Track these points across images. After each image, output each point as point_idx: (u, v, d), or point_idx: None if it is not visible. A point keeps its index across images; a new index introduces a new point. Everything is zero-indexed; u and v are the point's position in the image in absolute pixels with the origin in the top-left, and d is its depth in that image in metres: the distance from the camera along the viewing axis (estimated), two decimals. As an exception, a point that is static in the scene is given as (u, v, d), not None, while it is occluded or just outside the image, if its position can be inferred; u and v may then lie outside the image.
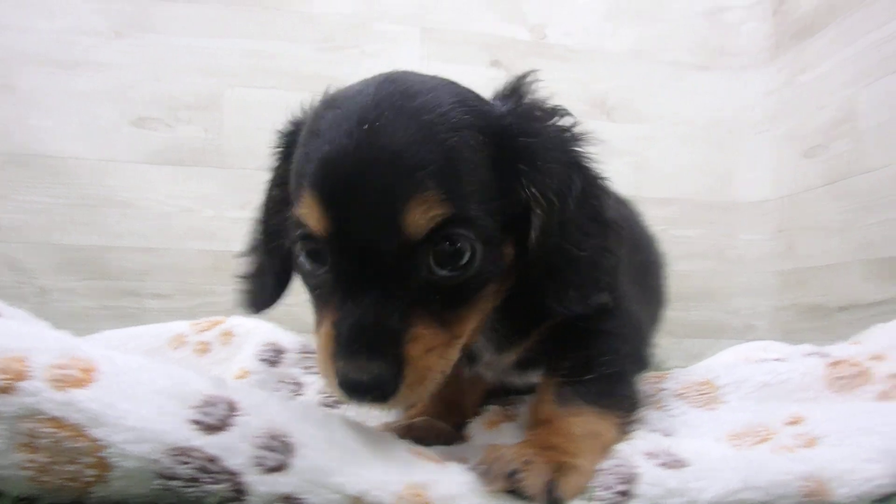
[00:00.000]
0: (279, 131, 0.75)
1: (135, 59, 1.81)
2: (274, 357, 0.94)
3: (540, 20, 2.17)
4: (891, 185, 1.70)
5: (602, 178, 0.74)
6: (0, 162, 1.69)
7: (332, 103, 0.64)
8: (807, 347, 1.05)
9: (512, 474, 0.57)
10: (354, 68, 1.97)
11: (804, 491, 0.60)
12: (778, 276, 2.19)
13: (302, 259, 0.63)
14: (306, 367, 0.93)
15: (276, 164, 0.74)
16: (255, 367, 0.91)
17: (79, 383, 0.58)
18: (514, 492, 0.57)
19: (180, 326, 1.05)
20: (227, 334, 1.02)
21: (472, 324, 0.64)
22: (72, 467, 0.56)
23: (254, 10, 1.91)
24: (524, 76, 0.72)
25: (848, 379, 0.82)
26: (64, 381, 0.58)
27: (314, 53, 1.95)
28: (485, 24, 2.11)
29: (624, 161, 2.17)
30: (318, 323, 0.63)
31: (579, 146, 0.72)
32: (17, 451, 0.56)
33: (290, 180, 0.67)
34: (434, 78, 0.69)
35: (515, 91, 0.71)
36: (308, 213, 0.58)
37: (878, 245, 1.76)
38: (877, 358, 0.85)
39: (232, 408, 0.60)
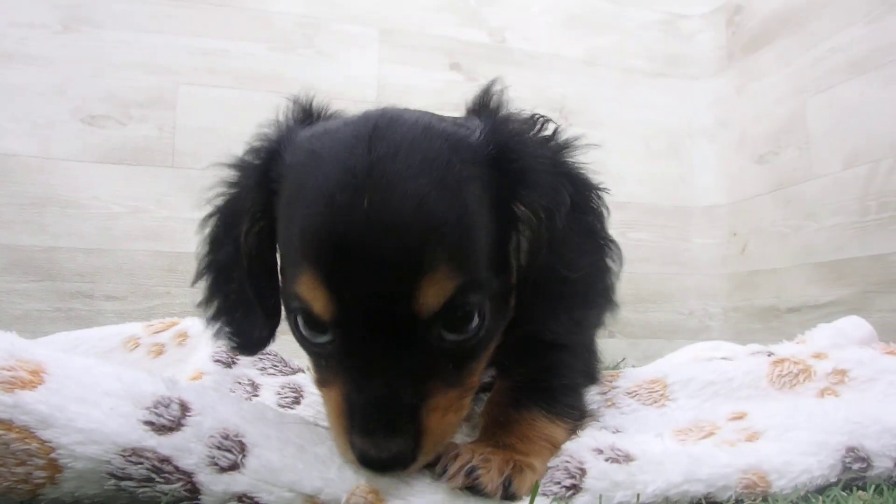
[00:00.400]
0: (246, 160, 0.70)
1: (84, 55, 1.76)
2: (229, 358, 0.94)
3: (499, 24, 2.20)
4: (835, 192, 1.80)
5: (597, 189, 0.71)
6: (-61, 158, 1.62)
7: (320, 154, 0.60)
8: (754, 347, 1.10)
9: (471, 472, 0.59)
10: (310, 69, 1.97)
11: (744, 483, 0.63)
12: (730, 279, 2.27)
13: (301, 322, 0.60)
14: (262, 369, 0.93)
15: (248, 199, 0.67)
16: (210, 368, 0.90)
17: (27, 385, 0.57)
18: (470, 488, 0.59)
19: (134, 328, 1.03)
20: (182, 335, 1.00)
21: (481, 369, 0.65)
22: (21, 469, 0.55)
23: (206, 7, 1.88)
24: (491, 87, 0.70)
25: (790, 377, 0.87)
26: (11, 384, 0.57)
27: (269, 53, 1.93)
28: (444, 27, 2.13)
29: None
30: (322, 382, 0.63)
31: (567, 155, 0.69)
32: (-38, 455, 0.54)
33: (277, 223, 0.64)
34: (418, 120, 0.64)
35: (486, 105, 0.68)
36: (311, 296, 0.56)
37: (822, 249, 1.85)
38: (818, 356, 0.90)
39: (185, 408, 0.60)
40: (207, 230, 0.74)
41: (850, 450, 0.67)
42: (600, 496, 0.57)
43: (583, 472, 0.61)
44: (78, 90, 1.75)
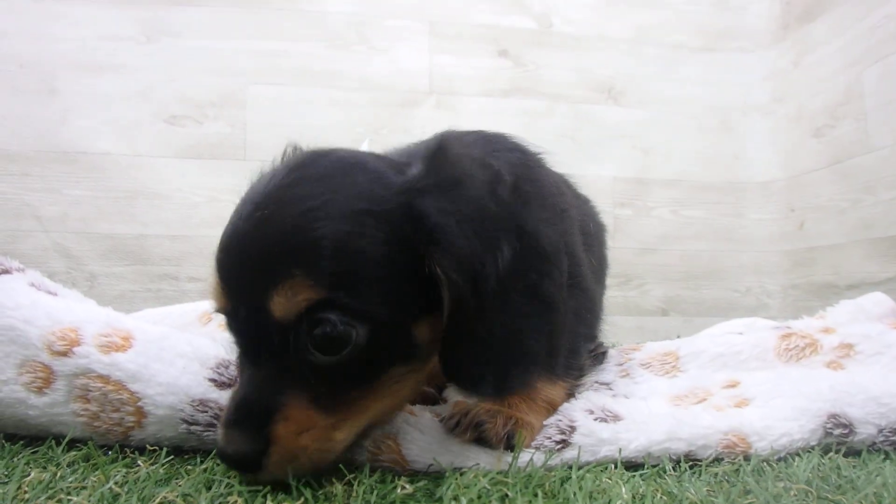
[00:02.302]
0: None
1: (163, 62, 1.95)
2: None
3: (544, 9, 2.23)
4: (893, 165, 1.72)
5: (546, 245, 0.65)
6: (46, 159, 1.86)
7: (253, 181, 0.69)
8: (772, 323, 1.12)
9: (478, 425, 0.69)
10: (364, 64, 2.08)
11: (724, 443, 0.69)
12: (788, 255, 2.22)
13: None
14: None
15: None
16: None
17: (120, 348, 0.72)
18: (477, 440, 0.69)
19: (208, 305, 1.19)
20: (247, 311, 1.15)
21: (374, 405, 0.62)
22: (116, 415, 0.70)
23: (268, 11, 2.03)
24: (444, 137, 0.70)
25: (797, 350, 0.90)
26: (108, 347, 0.72)
27: (325, 51, 2.06)
28: (490, 15, 2.17)
29: (631, 144, 2.23)
30: None
31: (515, 210, 0.65)
32: (74, 402, 0.70)
33: None
34: (346, 158, 0.67)
35: (437, 155, 0.65)
36: (210, 290, 0.64)
37: (880, 224, 1.79)
38: (826, 330, 0.92)
39: (240, 369, 0.73)
40: None
41: (832, 416, 0.71)
42: (579, 448, 0.65)
43: (573, 429, 0.69)
44: (159, 94, 1.95)
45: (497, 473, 0.62)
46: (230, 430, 0.57)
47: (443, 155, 0.65)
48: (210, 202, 1.96)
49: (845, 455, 0.70)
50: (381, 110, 2.08)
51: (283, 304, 0.57)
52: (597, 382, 0.94)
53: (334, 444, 0.60)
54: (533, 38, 2.20)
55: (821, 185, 2.03)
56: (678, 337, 1.89)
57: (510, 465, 0.65)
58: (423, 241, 0.59)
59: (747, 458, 0.69)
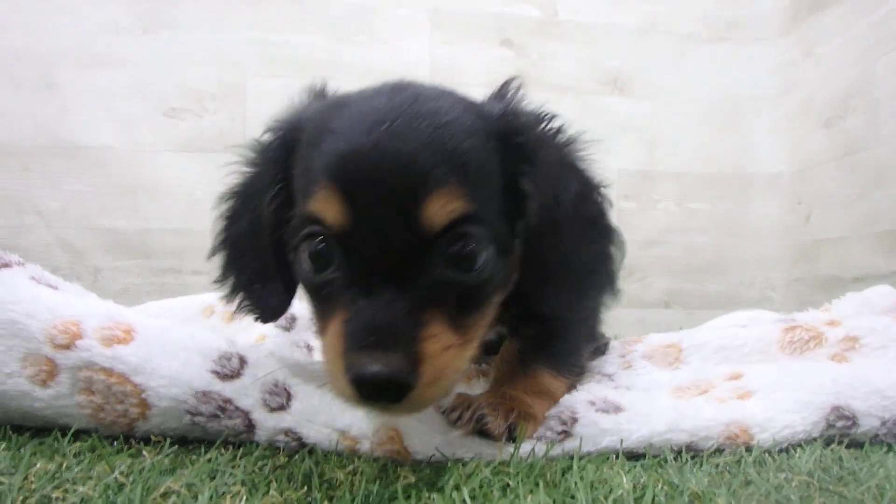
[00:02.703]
0: (267, 138, 0.73)
1: (162, 54, 1.94)
2: (287, 324, 1.08)
3: (549, -3, 2.21)
4: (902, 158, 1.71)
5: (600, 183, 0.74)
6: (46, 154, 1.86)
7: (341, 104, 0.64)
8: (776, 315, 1.12)
9: (480, 418, 0.69)
10: (366, 55, 2.07)
11: (726, 434, 0.69)
12: (792, 249, 2.21)
13: (305, 260, 0.61)
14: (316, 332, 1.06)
15: (270, 169, 0.70)
16: (272, 332, 1.05)
17: (122, 341, 0.72)
18: (480, 432, 0.69)
19: (210, 298, 1.20)
20: (250, 304, 1.15)
21: (482, 329, 0.64)
22: (120, 406, 0.71)
23: (268, 3, 2.01)
24: (511, 81, 0.73)
25: (800, 343, 0.90)
26: (110, 340, 0.72)
27: (327, 42, 2.05)
28: (494, 4, 2.15)
29: (637, 136, 2.22)
30: (323, 325, 0.61)
31: (574, 148, 0.72)
32: (79, 394, 0.71)
33: (293, 183, 0.66)
34: (436, 86, 0.70)
35: (503, 96, 0.72)
36: (325, 206, 0.57)
37: (888, 217, 1.77)
38: (831, 324, 0.92)
39: (242, 361, 0.74)
40: (224, 208, 0.78)
41: (835, 408, 0.71)
42: (581, 438, 0.65)
43: (574, 419, 0.69)
44: (159, 87, 1.94)
45: (499, 464, 0.63)
46: (372, 351, 0.52)
47: (510, 97, 0.71)
48: (212, 196, 1.96)
49: (847, 447, 0.70)
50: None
51: (437, 212, 0.56)
52: (599, 374, 0.94)
53: (463, 364, 0.60)
54: (537, 27, 2.18)
55: (828, 178, 2.01)
56: (680, 330, 1.89)
57: (512, 456, 0.65)
58: (520, 161, 0.64)
59: (749, 450, 0.69)
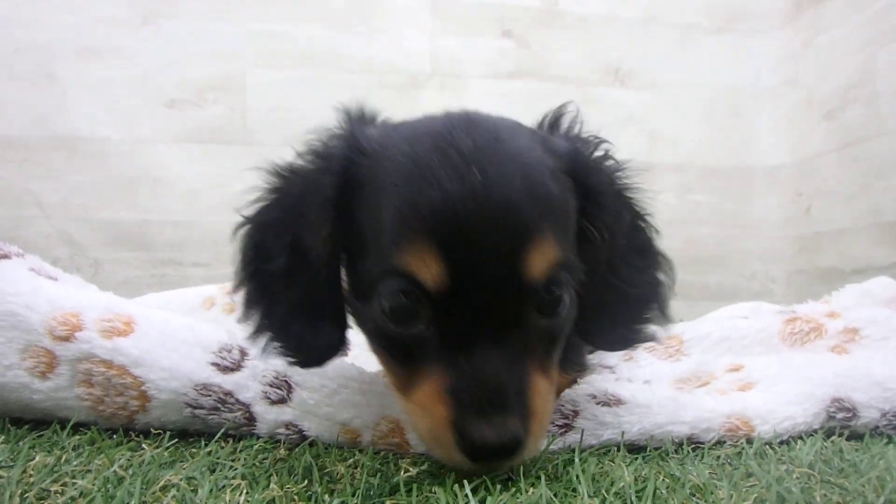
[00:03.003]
0: (309, 165, 0.67)
1: (162, 45, 1.93)
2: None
3: (550, -12, 2.19)
4: (903, 149, 1.70)
5: (646, 211, 0.73)
6: (46, 146, 1.86)
7: (413, 139, 0.60)
8: (777, 307, 1.12)
9: None
10: (366, 46, 2.06)
11: (727, 426, 0.69)
12: (794, 241, 2.21)
13: (383, 312, 0.57)
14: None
15: (320, 201, 0.62)
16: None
17: (122, 333, 0.72)
18: None
19: (211, 289, 1.20)
20: (250, 296, 1.15)
21: (556, 367, 0.63)
22: (120, 399, 0.71)
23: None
24: (562, 109, 0.72)
25: (801, 334, 0.90)
26: (111, 332, 0.72)
27: (327, 33, 2.03)
28: (495, -6, 2.14)
29: (637, 129, 2.21)
30: (405, 380, 0.58)
31: (624, 176, 0.71)
32: (78, 386, 0.71)
33: (358, 222, 0.61)
34: (502, 118, 0.67)
35: (558, 124, 0.70)
36: (421, 265, 0.53)
37: (889, 209, 1.77)
38: (832, 315, 0.92)
39: (243, 353, 0.74)
40: (248, 237, 0.70)
41: (836, 400, 0.71)
42: (582, 431, 0.65)
43: (575, 413, 0.69)
44: (158, 78, 1.94)
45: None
46: (489, 419, 0.51)
47: (566, 129, 0.70)
48: (212, 188, 1.96)
49: (848, 439, 0.70)
50: (384, 93, 2.06)
51: (539, 264, 0.55)
52: (600, 366, 0.94)
53: (552, 406, 0.61)
54: (538, 18, 2.16)
55: (829, 170, 2.01)
56: (681, 321, 1.89)
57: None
58: (587, 200, 0.64)
59: (750, 442, 0.69)
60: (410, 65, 2.09)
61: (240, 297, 0.70)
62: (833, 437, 0.70)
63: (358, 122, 0.67)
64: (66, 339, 0.71)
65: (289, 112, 1.99)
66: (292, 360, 0.66)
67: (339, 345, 0.67)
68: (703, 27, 2.25)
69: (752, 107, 2.28)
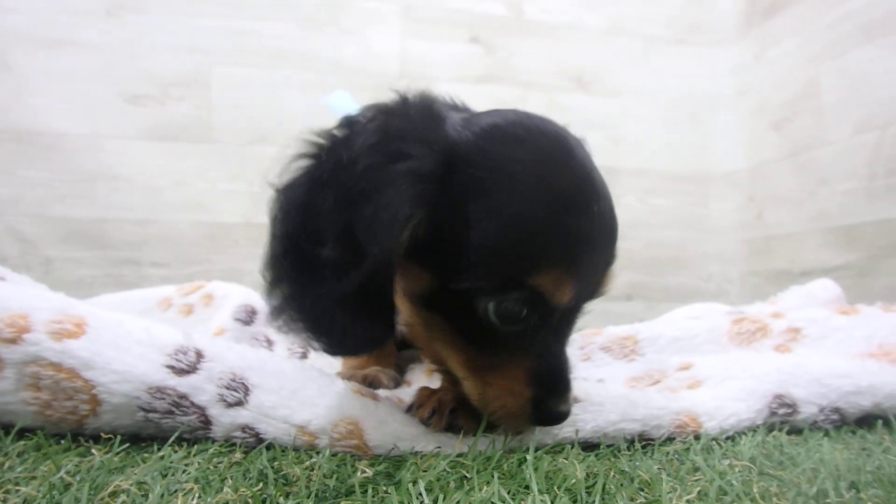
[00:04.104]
0: (390, 162, 0.59)
1: (125, 39, 1.89)
2: (247, 318, 1.07)
3: (517, -4, 2.22)
4: (846, 158, 1.79)
5: None
6: (-1, 139, 1.79)
7: (530, 160, 0.62)
8: (726, 307, 1.16)
9: (452, 412, 0.70)
10: (335, 46, 2.05)
11: (676, 423, 0.72)
12: (748, 244, 2.29)
13: (488, 316, 0.61)
14: (277, 327, 1.05)
15: (404, 189, 0.58)
16: (230, 325, 1.03)
17: (72, 335, 0.70)
18: (449, 427, 0.69)
19: (167, 291, 1.17)
20: (208, 297, 1.14)
21: None
22: (69, 403, 0.69)
23: (235, -11, 1.98)
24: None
25: (748, 334, 0.94)
26: (60, 334, 0.70)
27: (296, 31, 2.02)
28: (463, 0, 2.16)
29: (601, 134, 2.26)
30: (488, 368, 0.65)
31: None
32: (25, 390, 0.68)
33: (456, 220, 0.60)
34: (564, 131, 0.69)
35: None
36: (556, 288, 0.61)
37: (834, 214, 1.85)
38: (776, 315, 0.96)
39: (199, 355, 0.72)
40: (291, 214, 0.65)
41: (777, 396, 0.74)
42: (537, 430, 0.67)
43: (531, 412, 0.70)
44: (121, 72, 1.89)
45: (457, 456, 0.63)
46: (564, 395, 0.65)
47: None
48: (174, 185, 1.92)
49: (789, 433, 0.74)
50: (353, 94, 2.05)
51: (611, 282, 0.69)
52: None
53: None
54: (505, 25, 2.20)
55: (779, 177, 2.09)
56: (641, 321, 1.94)
57: (470, 449, 0.66)
58: None
59: (697, 438, 0.71)
60: (379, 67, 2.09)
61: (268, 270, 0.66)
62: (774, 432, 0.73)
63: (433, 114, 0.64)
64: (13, 341, 0.68)
65: (255, 111, 1.96)
66: (320, 344, 0.65)
67: (384, 338, 0.66)
68: (663, 38, 2.32)
69: (709, 115, 2.35)
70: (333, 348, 0.66)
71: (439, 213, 0.60)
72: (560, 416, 0.66)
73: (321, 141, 0.66)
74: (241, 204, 1.95)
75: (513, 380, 0.64)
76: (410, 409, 0.74)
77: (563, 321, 0.66)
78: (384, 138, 0.61)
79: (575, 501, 0.52)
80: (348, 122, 0.66)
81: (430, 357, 0.74)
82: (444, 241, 0.61)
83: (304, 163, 0.66)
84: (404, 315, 0.71)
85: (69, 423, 0.69)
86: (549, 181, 0.61)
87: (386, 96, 0.67)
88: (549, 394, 0.64)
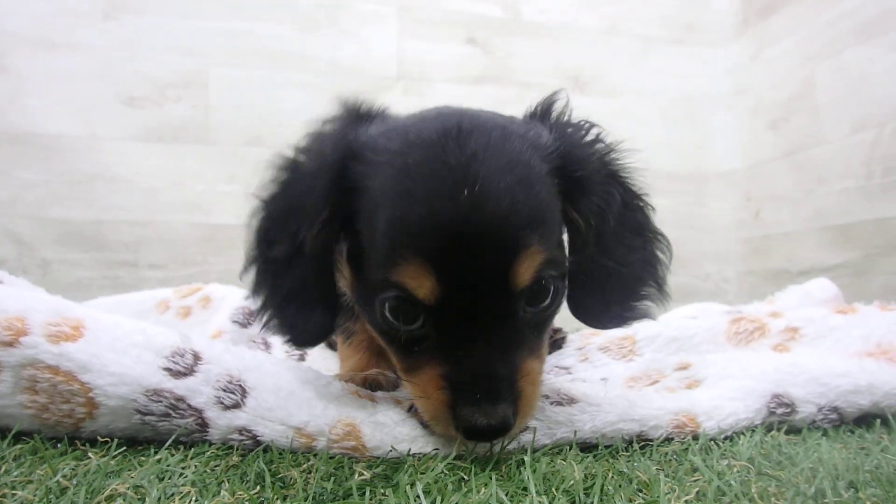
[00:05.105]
0: (306, 160, 0.69)
1: (123, 41, 1.89)
2: (245, 320, 1.06)
3: (514, -3, 2.23)
4: (843, 157, 1.79)
5: (641, 190, 0.76)
6: (-4, 140, 1.79)
7: (406, 145, 0.62)
8: (724, 307, 1.16)
9: None
10: (333, 47, 2.05)
11: (675, 423, 0.72)
12: (745, 243, 2.29)
13: (384, 314, 0.62)
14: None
15: (314, 195, 0.66)
16: (228, 327, 1.03)
17: (69, 338, 0.70)
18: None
19: (165, 293, 1.17)
20: (206, 299, 1.14)
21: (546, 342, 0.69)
22: (66, 406, 0.68)
23: (233, -9, 1.98)
24: (554, 95, 0.74)
25: (746, 333, 0.94)
26: (57, 336, 0.70)
27: (294, 33, 2.02)
28: (460, 1, 2.16)
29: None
30: (409, 366, 0.65)
31: (616, 157, 0.73)
32: (22, 394, 0.68)
33: (357, 219, 0.64)
34: (494, 120, 0.68)
35: (548, 112, 0.73)
36: (415, 283, 0.58)
37: (831, 213, 1.86)
38: (774, 315, 0.96)
39: (197, 357, 0.72)
40: (257, 222, 0.73)
41: (776, 396, 0.74)
42: (535, 431, 0.67)
43: (530, 413, 0.70)
44: (118, 74, 1.89)
45: (455, 458, 0.63)
46: (482, 405, 0.58)
47: (556, 117, 0.72)
48: (171, 186, 1.92)
49: (787, 433, 0.74)
50: (349, 95, 2.05)
51: (525, 271, 0.59)
52: (556, 367, 0.96)
53: (541, 383, 0.66)
54: (502, 26, 2.20)
55: (776, 176, 2.10)
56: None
57: (470, 451, 0.65)
58: (574, 191, 0.67)
59: (696, 438, 0.71)
60: (376, 68, 2.09)
61: (248, 277, 0.75)
62: (773, 432, 0.73)
63: (353, 120, 0.69)
64: (10, 344, 0.68)
65: (252, 112, 1.96)
66: (287, 338, 0.72)
67: (329, 330, 0.72)
68: (660, 38, 2.33)
69: (706, 114, 2.36)
70: (295, 341, 0.73)
71: (350, 209, 0.65)
72: (479, 429, 0.58)
73: (287, 157, 0.72)
74: (238, 205, 1.94)
75: (428, 382, 0.62)
76: (411, 410, 0.74)
77: (467, 320, 0.59)
78: (311, 147, 0.70)
79: (573, 502, 0.52)
80: (306, 137, 0.72)
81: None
82: (356, 238, 0.65)
83: (273, 178, 0.72)
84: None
85: (66, 427, 0.69)
86: (411, 173, 0.60)
87: (381, 98, 0.72)
88: (463, 401, 0.59)
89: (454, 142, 0.61)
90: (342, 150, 0.66)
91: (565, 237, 0.72)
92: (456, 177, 0.58)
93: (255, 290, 0.74)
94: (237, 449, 0.68)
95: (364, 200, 0.63)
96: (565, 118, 0.72)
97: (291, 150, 0.72)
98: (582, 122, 0.73)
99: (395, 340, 0.65)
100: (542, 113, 0.73)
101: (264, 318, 0.73)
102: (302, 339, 0.73)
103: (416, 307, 0.60)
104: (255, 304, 0.74)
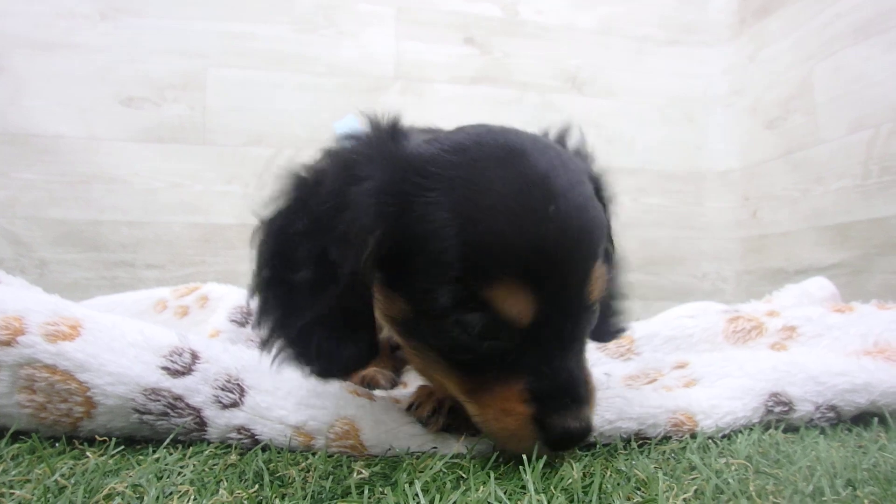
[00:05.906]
0: (352, 181, 0.62)
1: (121, 41, 1.89)
2: (243, 319, 1.06)
3: (511, -3, 2.23)
4: (841, 156, 1.80)
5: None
6: (-6, 141, 1.79)
7: (478, 169, 0.60)
8: (722, 306, 1.16)
9: (451, 412, 0.70)
10: (331, 48, 2.05)
11: (672, 422, 0.72)
12: (742, 242, 2.30)
13: (459, 337, 0.60)
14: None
15: (362, 217, 0.61)
16: (226, 327, 1.03)
17: (67, 337, 0.70)
18: (445, 428, 0.69)
19: (162, 292, 1.17)
20: (204, 299, 1.13)
21: None
22: (64, 405, 0.68)
23: (231, -9, 1.98)
24: (567, 126, 0.76)
25: (743, 332, 0.94)
26: (55, 336, 0.70)
27: (292, 34, 2.02)
28: (458, 1, 2.17)
29: (595, 133, 2.26)
30: (478, 390, 0.62)
31: (605, 181, 0.76)
32: (19, 393, 0.68)
33: (411, 246, 0.60)
34: (541, 139, 0.69)
35: (565, 139, 0.75)
36: (511, 304, 0.58)
37: (828, 213, 1.86)
38: (771, 314, 0.96)
39: (195, 357, 0.72)
40: (270, 244, 0.68)
41: (773, 395, 0.74)
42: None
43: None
44: (116, 74, 1.88)
45: (453, 456, 0.63)
46: (570, 411, 0.59)
47: (581, 143, 0.76)
48: (169, 187, 1.91)
49: (785, 431, 0.74)
50: (348, 96, 2.05)
51: (599, 286, 0.62)
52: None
53: None
54: (500, 26, 2.20)
55: (774, 175, 2.10)
56: (636, 321, 1.94)
57: (469, 450, 0.65)
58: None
59: (694, 436, 0.71)
60: (374, 68, 2.09)
61: (256, 302, 0.69)
62: (771, 430, 0.73)
63: (388, 135, 0.66)
64: (8, 343, 0.68)
65: (250, 113, 1.96)
66: (311, 368, 0.65)
67: (367, 359, 0.67)
68: (657, 38, 2.33)
69: (703, 114, 2.36)
70: (322, 372, 0.66)
71: (400, 230, 0.60)
72: (572, 434, 0.59)
73: (301, 173, 0.69)
74: (236, 205, 1.94)
75: (507, 399, 0.60)
76: (410, 409, 0.74)
77: (553, 332, 0.60)
78: (346, 164, 0.64)
79: (572, 501, 0.52)
80: (325, 153, 0.68)
81: (433, 384, 0.73)
82: (408, 260, 0.61)
83: (284, 194, 0.68)
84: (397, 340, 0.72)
85: (64, 426, 0.69)
86: (496, 193, 0.59)
87: (378, 108, 0.69)
88: (553, 410, 0.59)
89: (527, 158, 0.61)
90: (393, 166, 0.62)
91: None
92: (541, 193, 0.59)
93: (264, 316, 0.67)
94: (235, 448, 0.68)
95: (425, 218, 0.59)
96: (583, 147, 0.76)
97: (304, 167, 0.68)
98: (590, 152, 0.77)
99: (464, 362, 0.62)
100: (559, 139, 0.75)
101: (277, 346, 0.66)
102: (332, 369, 0.66)
103: (500, 325, 0.59)
104: (262, 330, 0.67)
